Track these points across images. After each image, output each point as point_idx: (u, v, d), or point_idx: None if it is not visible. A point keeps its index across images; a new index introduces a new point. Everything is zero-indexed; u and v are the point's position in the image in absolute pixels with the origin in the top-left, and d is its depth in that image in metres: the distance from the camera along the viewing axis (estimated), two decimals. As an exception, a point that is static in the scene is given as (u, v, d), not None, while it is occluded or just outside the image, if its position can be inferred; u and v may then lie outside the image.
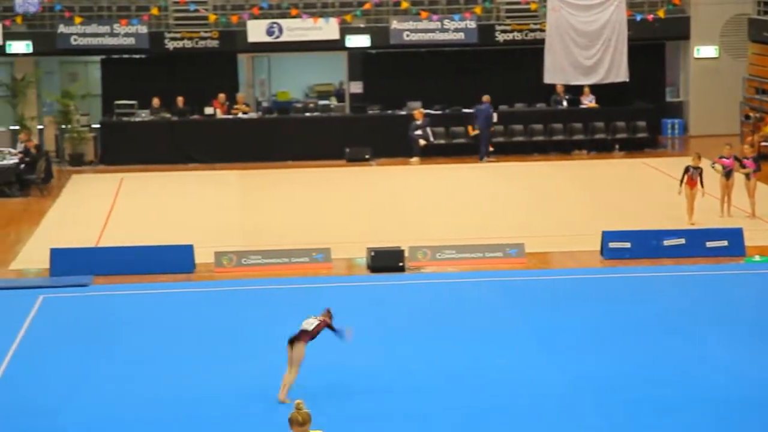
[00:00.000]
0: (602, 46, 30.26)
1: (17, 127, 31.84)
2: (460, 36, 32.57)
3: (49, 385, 13.95)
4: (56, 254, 19.43)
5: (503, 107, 31.84)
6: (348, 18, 32.48)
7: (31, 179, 27.26)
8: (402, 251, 19.55)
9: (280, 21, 32.24)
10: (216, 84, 32.41)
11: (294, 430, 9.02)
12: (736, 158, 23.23)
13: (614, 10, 30.23)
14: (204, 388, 13.66)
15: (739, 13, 33.67)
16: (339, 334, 13.20)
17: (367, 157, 30.81)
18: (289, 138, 31.27)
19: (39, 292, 18.10)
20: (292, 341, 12.98)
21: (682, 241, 20.15)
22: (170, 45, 32.29)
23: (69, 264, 19.24)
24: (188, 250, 19.69)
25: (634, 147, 31.88)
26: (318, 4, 32.95)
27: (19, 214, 25.00)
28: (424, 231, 21.90)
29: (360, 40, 32.78)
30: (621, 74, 30.31)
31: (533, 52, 31.47)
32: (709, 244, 20.08)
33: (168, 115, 31.61)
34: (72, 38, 31.79)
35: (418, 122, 31.07)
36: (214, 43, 32.37)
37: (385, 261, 19.40)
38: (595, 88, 31.90)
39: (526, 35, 32.79)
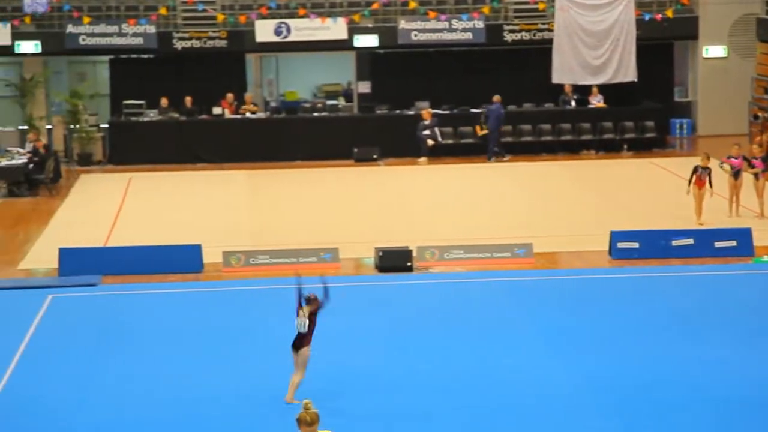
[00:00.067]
0: (610, 45, 30.25)
1: (26, 127, 31.90)
2: (468, 36, 32.56)
3: (57, 384, 13.97)
4: (65, 254, 19.46)
5: (511, 107, 31.81)
6: (356, 18, 32.49)
7: (39, 179, 27.31)
8: (410, 251, 19.56)
9: (288, 21, 32.26)
10: (224, 84, 32.44)
11: (302, 430, 9.03)
12: (745, 158, 23.20)
13: (623, 10, 30.23)
14: (212, 389, 13.67)
15: (747, 13, 33.62)
16: (327, 298, 13.10)
17: (375, 157, 30.81)
18: (297, 138, 31.28)
19: (48, 292, 18.13)
20: (295, 347, 12.99)
21: (691, 241, 20.13)
22: (178, 45, 32.33)
23: (77, 264, 19.27)
24: (196, 249, 19.71)
25: (642, 147, 31.84)
26: (326, 4, 32.96)
27: (27, 213, 25.05)
28: (432, 231, 21.89)
29: (368, 40, 32.78)
30: (629, 74, 30.31)
31: (541, 52, 31.45)
32: (717, 245, 20.05)
33: (176, 115, 31.64)
34: (80, 38, 31.84)
35: (426, 122, 31.07)
36: (223, 43, 32.40)
37: (393, 261, 19.41)
38: (604, 88, 31.88)
39: (535, 35, 32.77)
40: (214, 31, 32.36)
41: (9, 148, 29.59)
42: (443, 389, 13.55)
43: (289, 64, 36.08)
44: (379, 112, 32.21)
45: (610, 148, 31.80)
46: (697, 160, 22.87)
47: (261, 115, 32.41)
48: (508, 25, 32.88)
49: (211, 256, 19.75)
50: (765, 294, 17.90)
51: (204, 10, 32.57)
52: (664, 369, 14.08)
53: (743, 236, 20.21)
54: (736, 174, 22.80)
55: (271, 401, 13.12)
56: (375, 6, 32.72)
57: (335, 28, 32.24)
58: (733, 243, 20.09)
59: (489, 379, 13.87)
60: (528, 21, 32.94)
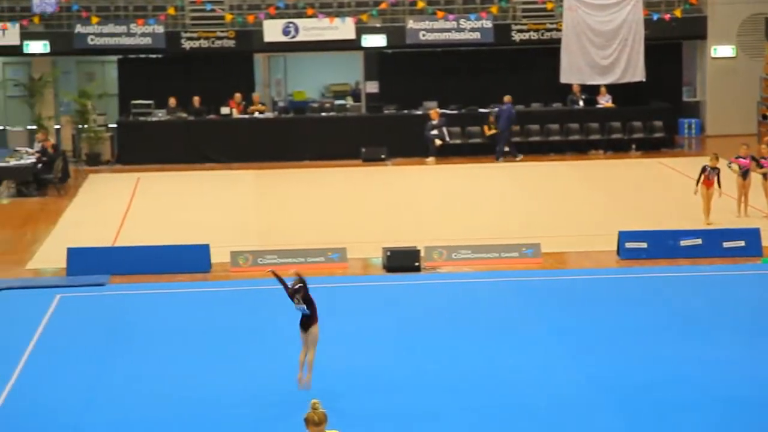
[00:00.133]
0: (619, 45, 30.23)
1: (34, 127, 31.98)
2: (476, 36, 32.55)
3: (65, 384, 13.98)
4: (73, 254, 19.48)
5: (520, 107, 31.80)
6: (364, 18, 32.49)
7: (48, 179, 27.35)
8: (418, 251, 19.55)
9: (296, 21, 32.27)
10: (232, 84, 32.47)
11: (310, 430, 9.03)
12: (753, 158, 23.17)
13: (631, 10, 30.21)
14: (220, 389, 13.67)
15: (756, 13, 33.57)
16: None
17: (382, 156, 30.81)
18: (305, 138, 31.30)
19: (56, 292, 18.16)
20: (304, 326, 13.00)
21: (699, 241, 20.10)
22: (186, 45, 32.36)
23: (86, 263, 19.29)
24: (204, 249, 19.72)
25: (650, 147, 31.81)
26: (334, 4, 32.98)
27: (36, 213, 25.09)
28: (439, 231, 21.89)
29: (376, 40, 32.79)
30: (638, 74, 30.29)
31: (549, 52, 31.44)
32: (726, 245, 20.02)
33: (184, 115, 31.68)
34: (89, 38, 31.89)
35: (434, 122, 31.06)
36: (231, 43, 32.42)
37: (401, 261, 19.40)
38: (612, 88, 31.86)
39: (543, 35, 32.75)
40: (222, 31, 32.39)
41: (18, 148, 29.67)
42: (451, 389, 13.55)
43: (297, 63, 36.09)
44: (387, 111, 32.21)
45: (618, 148, 31.77)
46: (705, 160, 22.84)
47: (269, 114, 32.43)
48: (516, 24, 32.86)
49: (219, 255, 19.77)
50: (773, 294, 17.88)
51: (212, 10, 32.60)
52: (673, 369, 14.06)
53: (752, 236, 20.17)
54: (744, 174, 22.77)
55: (279, 401, 13.12)
56: (383, 6, 32.72)
57: (343, 28, 32.25)
58: (742, 243, 20.05)
59: (497, 379, 13.86)
60: (536, 21, 32.93)
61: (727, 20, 33.49)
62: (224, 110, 31.68)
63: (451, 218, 23.38)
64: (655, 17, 32.32)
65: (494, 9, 32.75)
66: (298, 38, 32.23)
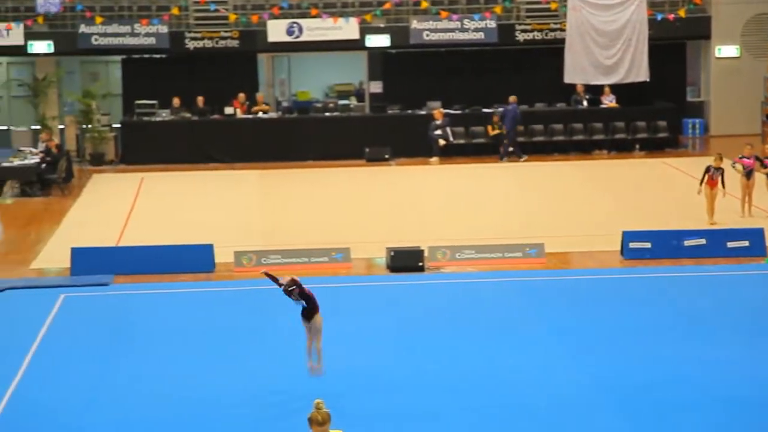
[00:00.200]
0: (623, 45, 30.20)
1: (39, 127, 32.02)
2: (480, 36, 32.55)
3: (69, 383, 13.99)
4: (77, 253, 19.50)
5: (523, 107, 31.80)
6: (368, 18, 32.50)
7: (52, 179, 27.37)
8: (421, 251, 19.55)
9: (300, 21, 32.28)
10: (236, 84, 32.49)
11: (314, 430, 9.04)
12: (757, 158, 23.16)
13: (635, 10, 30.18)
14: (223, 389, 13.67)
15: (760, 13, 33.55)
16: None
17: (386, 156, 30.82)
18: (308, 138, 31.31)
19: (60, 291, 18.18)
20: (307, 317, 13.01)
21: (703, 241, 20.09)
22: (191, 45, 32.38)
23: (90, 263, 19.31)
24: (208, 249, 19.74)
25: (654, 147, 31.80)
26: (338, 4, 32.98)
27: (40, 213, 25.11)
28: (443, 231, 21.89)
29: (380, 40, 32.79)
30: (641, 74, 30.26)
31: (553, 52, 31.43)
32: (730, 245, 20.01)
33: (188, 115, 31.70)
34: (93, 38, 31.91)
35: (438, 122, 31.07)
36: (235, 43, 32.44)
37: (405, 261, 19.40)
38: (616, 88, 31.85)
39: (547, 35, 32.75)
40: (226, 31, 32.41)
41: (22, 148, 29.72)
42: (453, 389, 13.54)
43: (300, 64, 36.11)
44: (390, 112, 32.22)
45: (622, 148, 31.76)
46: (709, 160, 22.84)
47: (273, 114, 32.45)
48: (520, 24, 32.86)
49: (222, 255, 19.78)
50: (777, 294, 17.86)
51: (216, 10, 32.62)
52: (676, 369, 14.05)
53: (756, 236, 20.16)
54: (748, 174, 22.75)
55: (281, 401, 13.13)
56: (387, 6, 32.73)
57: (347, 28, 32.26)
58: (746, 243, 20.03)
59: (499, 380, 13.86)
60: (540, 21, 32.92)
61: (731, 20, 33.47)
62: (228, 110, 31.70)
63: (455, 218, 23.38)
64: (659, 17, 32.31)
65: (498, 9, 32.75)
66: (302, 38, 32.24)
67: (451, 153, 30.99)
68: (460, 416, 12.73)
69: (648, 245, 19.99)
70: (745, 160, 22.90)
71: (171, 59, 32.97)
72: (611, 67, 30.36)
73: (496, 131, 31.11)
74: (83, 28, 31.87)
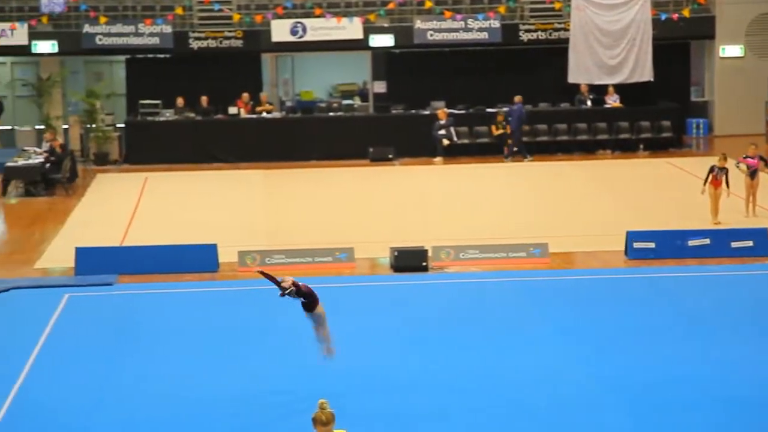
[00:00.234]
0: (627, 45, 30.20)
1: (43, 127, 32.03)
2: (484, 35, 32.54)
3: (73, 383, 14.00)
4: (81, 253, 19.51)
5: (527, 107, 31.78)
6: (372, 17, 32.50)
7: (56, 178, 27.39)
8: (425, 251, 19.55)
9: (303, 20, 32.29)
10: (240, 83, 32.50)
11: (318, 430, 9.04)
12: (761, 158, 23.13)
13: (639, 10, 30.18)
14: (228, 388, 13.68)
15: (764, 12, 33.53)
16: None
17: (390, 156, 30.82)
18: (312, 138, 31.32)
19: (64, 291, 18.19)
20: (308, 309, 13.03)
21: (707, 241, 20.07)
22: (194, 44, 32.39)
23: (94, 263, 19.32)
24: (212, 249, 19.74)
25: (658, 147, 31.78)
26: (342, 4, 32.99)
27: (44, 213, 25.13)
28: (447, 231, 21.89)
29: (384, 40, 32.79)
30: (645, 74, 30.26)
31: (557, 52, 31.43)
32: (734, 245, 19.99)
33: (192, 115, 31.71)
34: (97, 38, 31.93)
35: (442, 122, 31.07)
36: (238, 43, 32.45)
37: (409, 261, 19.40)
38: (620, 88, 31.84)
39: (550, 35, 32.73)
40: (230, 31, 32.42)
41: (26, 148, 29.74)
42: (457, 389, 13.54)
43: (304, 63, 36.12)
44: (394, 111, 32.22)
45: (626, 148, 31.74)
46: (713, 160, 22.81)
47: (276, 114, 32.46)
48: (523, 24, 32.85)
49: (226, 255, 19.78)
50: (782, 294, 17.84)
51: (220, 10, 32.63)
52: (679, 369, 14.04)
53: (760, 236, 20.14)
54: (752, 174, 22.73)
55: (287, 402, 13.13)
56: (391, 6, 32.72)
57: (351, 28, 32.26)
58: (750, 243, 20.02)
59: (504, 380, 13.86)
60: (544, 20, 32.91)
61: (735, 20, 33.45)
62: (232, 110, 31.70)
63: (459, 218, 23.38)
64: (663, 17, 32.29)
65: (502, 9, 32.74)
66: (306, 38, 32.25)
67: (454, 153, 30.99)
68: (464, 416, 12.73)
69: (652, 245, 19.98)
70: (749, 159, 22.88)
71: (175, 59, 32.98)
72: (615, 67, 30.36)
73: (500, 131, 31.10)
74: (87, 28, 31.89)
